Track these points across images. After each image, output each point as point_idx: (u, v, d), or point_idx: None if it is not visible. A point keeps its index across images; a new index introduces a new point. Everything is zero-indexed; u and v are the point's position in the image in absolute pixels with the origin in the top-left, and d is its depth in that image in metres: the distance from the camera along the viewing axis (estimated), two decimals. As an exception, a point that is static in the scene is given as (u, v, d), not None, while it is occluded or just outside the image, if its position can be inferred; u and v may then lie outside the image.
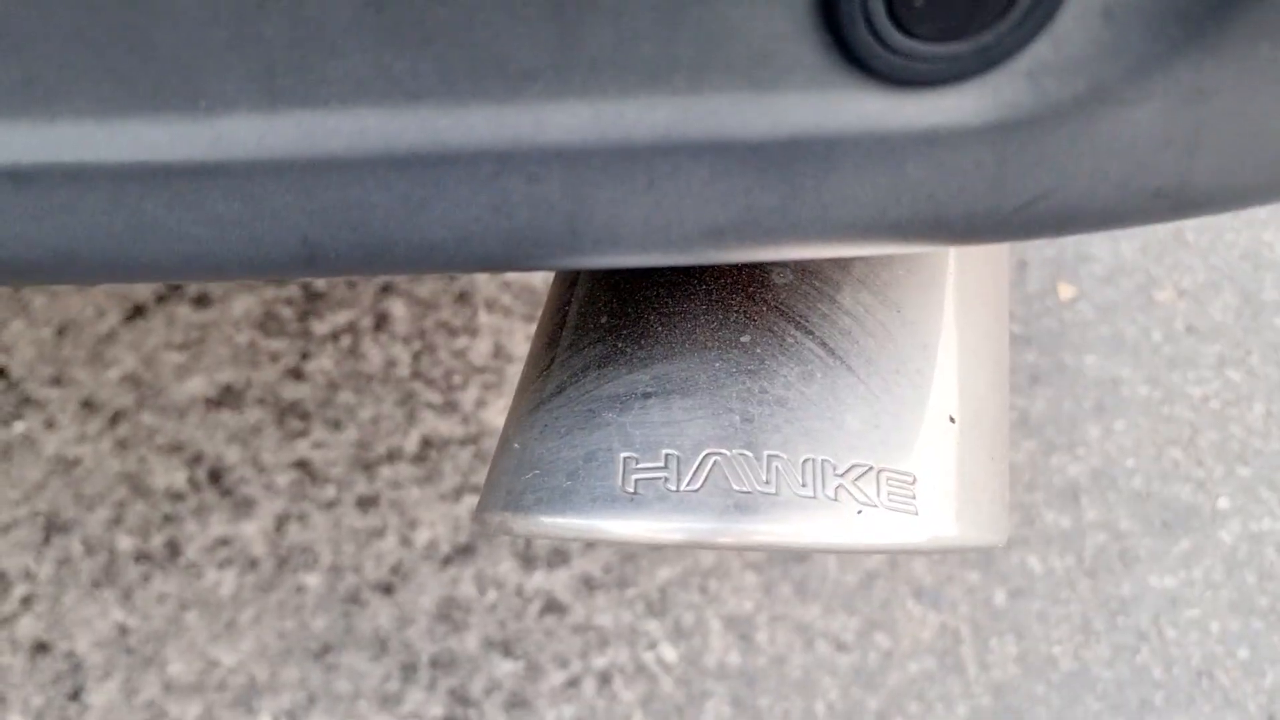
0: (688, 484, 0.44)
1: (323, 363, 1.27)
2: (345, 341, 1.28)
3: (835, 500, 0.43)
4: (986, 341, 0.50)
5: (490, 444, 1.22)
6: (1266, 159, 0.34)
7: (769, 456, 0.44)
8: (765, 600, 1.13)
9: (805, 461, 0.44)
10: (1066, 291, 1.39)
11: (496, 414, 1.24)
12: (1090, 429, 1.27)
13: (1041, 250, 1.42)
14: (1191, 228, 1.46)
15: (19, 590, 1.12)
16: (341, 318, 1.29)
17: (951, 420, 0.46)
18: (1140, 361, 1.33)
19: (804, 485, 0.43)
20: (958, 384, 0.47)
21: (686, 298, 0.48)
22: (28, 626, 1.11)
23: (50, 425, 1.23)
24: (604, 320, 0.49)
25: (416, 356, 1.27)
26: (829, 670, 1.10)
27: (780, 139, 0.33)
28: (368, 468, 1.19)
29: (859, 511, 0.43)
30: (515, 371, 1.28)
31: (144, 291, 1.31)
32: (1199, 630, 1.14)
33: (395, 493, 1.18)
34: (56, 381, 1.25)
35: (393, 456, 1.20)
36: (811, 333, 0.46)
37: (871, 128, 0.32)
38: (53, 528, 1.16)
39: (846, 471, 0.44)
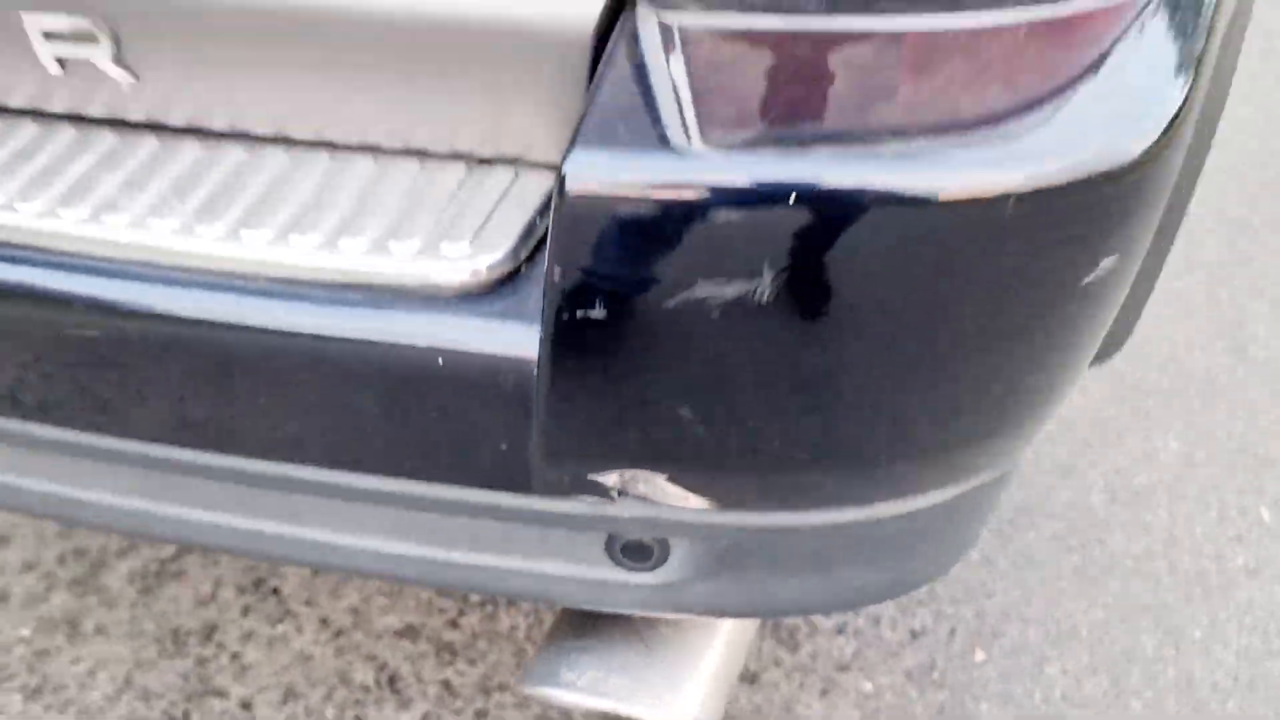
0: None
1: (471, 619, 1.97)
2: (489, 608, 1.99)
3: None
4: (731, 645, 1.17)
5: (565, 691, 1.88)
6: (789, 602, 1.02)
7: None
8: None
9: None
10: (980, 655, 1.97)
11: (573, 672, 1.90)
12: (972, 755, 1.82)
13: (967, 621, 2.02)
14: (1086, 624, 2.02)
15: (264, 731, 1.82)
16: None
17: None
18: (1021, 715, 1.88)
19: None
20: (711, 662, 1.14)
21: None
22: (265, 755, 1.79)
23: (299, 630, 1.96)
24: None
25: (530, 627, 1.96)
26: None
27: (592, 579, 1.03)
28: (486, 692, 1.86)
29: None
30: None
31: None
32: None
33: (500, 711, 1.84)
34: (308, 602, 2.00)
35: (502, 688, 1.87)
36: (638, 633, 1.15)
37: (630, 582, 1.02)
38: (289, 696, 1.87)
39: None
